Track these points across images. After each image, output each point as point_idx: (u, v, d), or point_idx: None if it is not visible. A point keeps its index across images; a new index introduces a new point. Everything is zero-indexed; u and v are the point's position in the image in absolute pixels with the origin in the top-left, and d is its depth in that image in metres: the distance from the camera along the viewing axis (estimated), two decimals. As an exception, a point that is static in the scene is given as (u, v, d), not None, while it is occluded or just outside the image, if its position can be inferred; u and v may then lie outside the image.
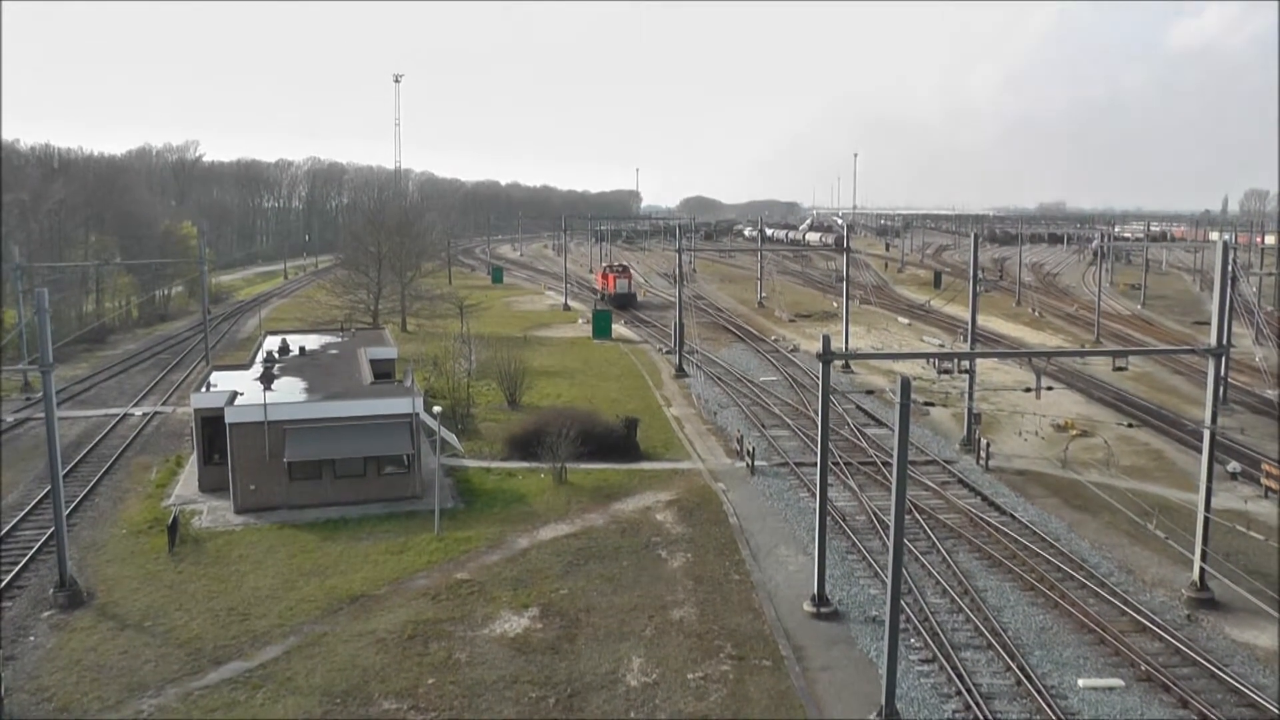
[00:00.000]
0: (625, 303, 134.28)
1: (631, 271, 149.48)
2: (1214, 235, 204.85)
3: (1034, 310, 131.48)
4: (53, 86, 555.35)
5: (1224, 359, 43.62)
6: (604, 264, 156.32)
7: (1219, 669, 34.13)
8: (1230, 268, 45.44)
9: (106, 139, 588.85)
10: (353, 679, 34.29)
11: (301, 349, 70.11)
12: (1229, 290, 48.36)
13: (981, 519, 48.95)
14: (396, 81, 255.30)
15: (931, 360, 47.81)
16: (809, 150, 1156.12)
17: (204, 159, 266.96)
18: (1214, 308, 42.68)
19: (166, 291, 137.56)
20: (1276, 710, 31.66)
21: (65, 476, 49.81)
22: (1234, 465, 56.56)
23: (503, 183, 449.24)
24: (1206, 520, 40.46)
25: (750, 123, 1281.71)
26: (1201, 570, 40.53)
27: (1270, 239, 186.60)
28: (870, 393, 78.24)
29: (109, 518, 51.11)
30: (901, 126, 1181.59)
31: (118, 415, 73.05)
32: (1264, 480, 53.88)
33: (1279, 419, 59.05)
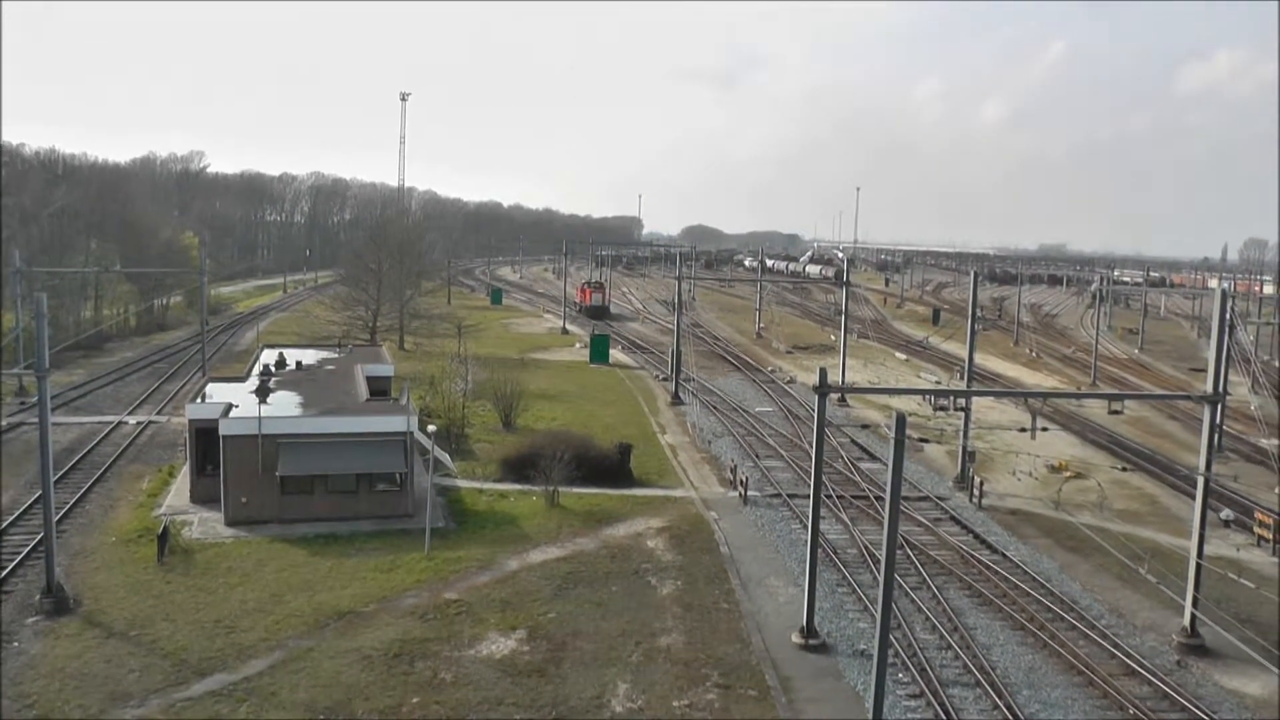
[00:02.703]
0: (599, 314, 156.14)
1: (605, 287, 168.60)
2: (1213, 282, 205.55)
3: (1031, 351, 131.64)
4: (60, 92, 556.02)
5: (1220, 406, 43.64)
6: (584, 281, 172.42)
7: (1208, 716, 33.99)
8: (1228, 315, 45.54)
9: (112, 146, 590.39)
10: (337, 696, 34.12)
11: (298, 363, 70.10)
12: (1226, 338, 48.45)
13: (973, 557, 48.87)
14: (403, 100, 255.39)
15: (928, 397, 48.00)
16: (808, 174, 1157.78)
17: (208, 170, 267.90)
18: (1211, 355, 42.77)
19: (165, 301, 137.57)
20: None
21: (56, 483, 49.68)
22: (1227, 512, 56.53)
23: (505, 204, 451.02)
24: (1199, 566, 40.42)
25: (751, 145, 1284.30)
26: (1193, 616, 40.44)
27: (1269, 288, 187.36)
28: (865, 427, 78.24)
29: (99, 525, 50.94)
30: (905, 156, 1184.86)
31: (112, 423, 72.93)
32: (1256, 529, 53.84)
33: (1277, 468, 59.06)
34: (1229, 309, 44.95)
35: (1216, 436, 46.70)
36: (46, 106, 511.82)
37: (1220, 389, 41.76)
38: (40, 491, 43.45)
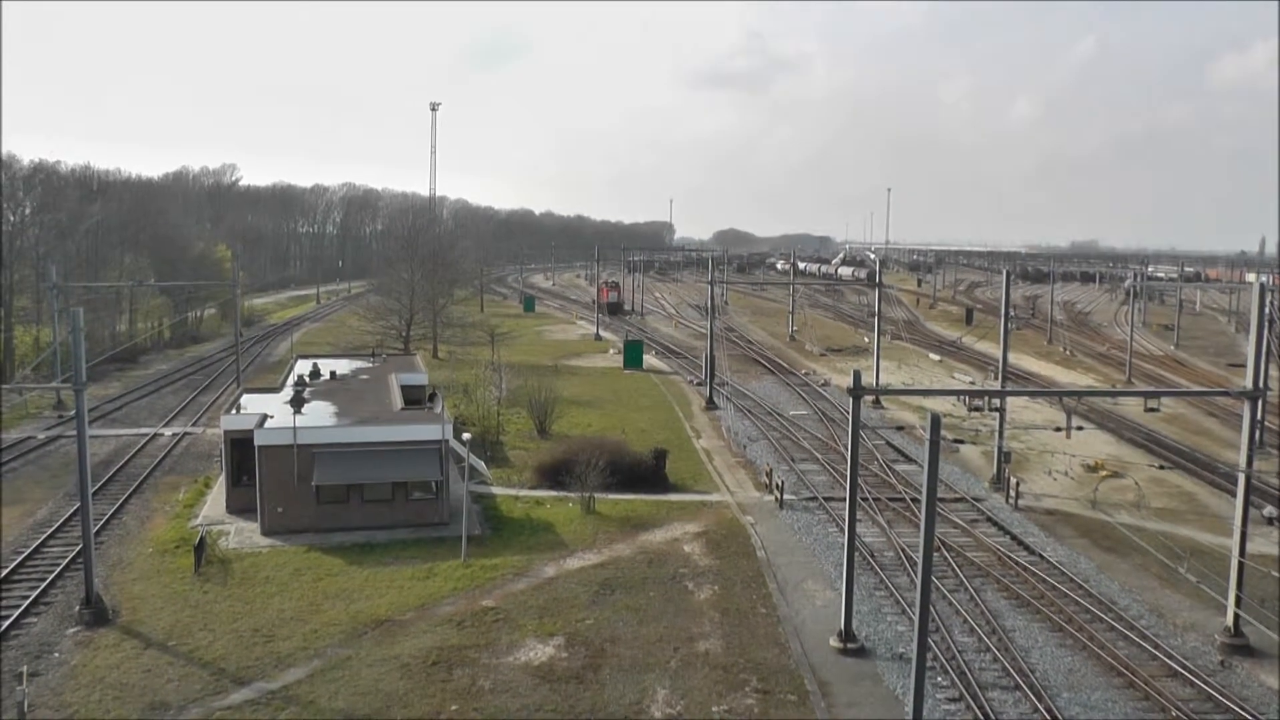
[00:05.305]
0: (615, 310, 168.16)
1: (620, 287, 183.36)
2: (1250, 276, 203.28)
3: (1065, 349, 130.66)
4: (93, 109, 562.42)
5: (1260, 401, 43.09)
6: (601, 280, 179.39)
7: (1255, 717, 33.54)
8: (1267, 309, 45.00)
9: (145, 161, 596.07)
10: (375, 704, 34.21)
11: (332, 373, 70.41)
12: (1265, 332, 47.85)
13: (1010, 558, 48.49)
14: (433, 109, 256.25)
15: (962, 397, 47.59)
16: (839, 176, 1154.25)
17: (241, 183, 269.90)
18: (1250, 349, 42.24)
19: (199, 313, 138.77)
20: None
21: (94, 494, 50.16)
22: (1269, 510, 55.85)
23: (537, 212, 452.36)
24: (1241, 565, 39.92)
25: (781, 148, 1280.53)
26: (1236, 616, 39.94)
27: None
28: (900, 429, 77.85)
29: (136, 536, 51.33)
30: (935, 154, 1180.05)
31: (148, 435, 73.53)
32: (1300, 525, 53.16)
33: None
34: (1268, 303, 44.43)
35: (1257, 432, 46.16)
36: (80, 123, 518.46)
37: (1260, 384, 41.21)
38: (79, 503, 43.78)
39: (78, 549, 45.02)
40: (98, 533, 48.92)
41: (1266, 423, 74.51)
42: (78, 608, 41.02)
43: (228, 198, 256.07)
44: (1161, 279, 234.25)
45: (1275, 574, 42.75)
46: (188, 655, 37.65)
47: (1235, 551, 40.03)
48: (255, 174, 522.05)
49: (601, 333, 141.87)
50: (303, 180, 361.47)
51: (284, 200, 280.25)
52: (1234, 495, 41.58)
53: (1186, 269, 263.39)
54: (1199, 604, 43.27)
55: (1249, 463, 40.25)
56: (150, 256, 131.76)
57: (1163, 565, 45.61)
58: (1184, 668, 37.09)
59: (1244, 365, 43.24)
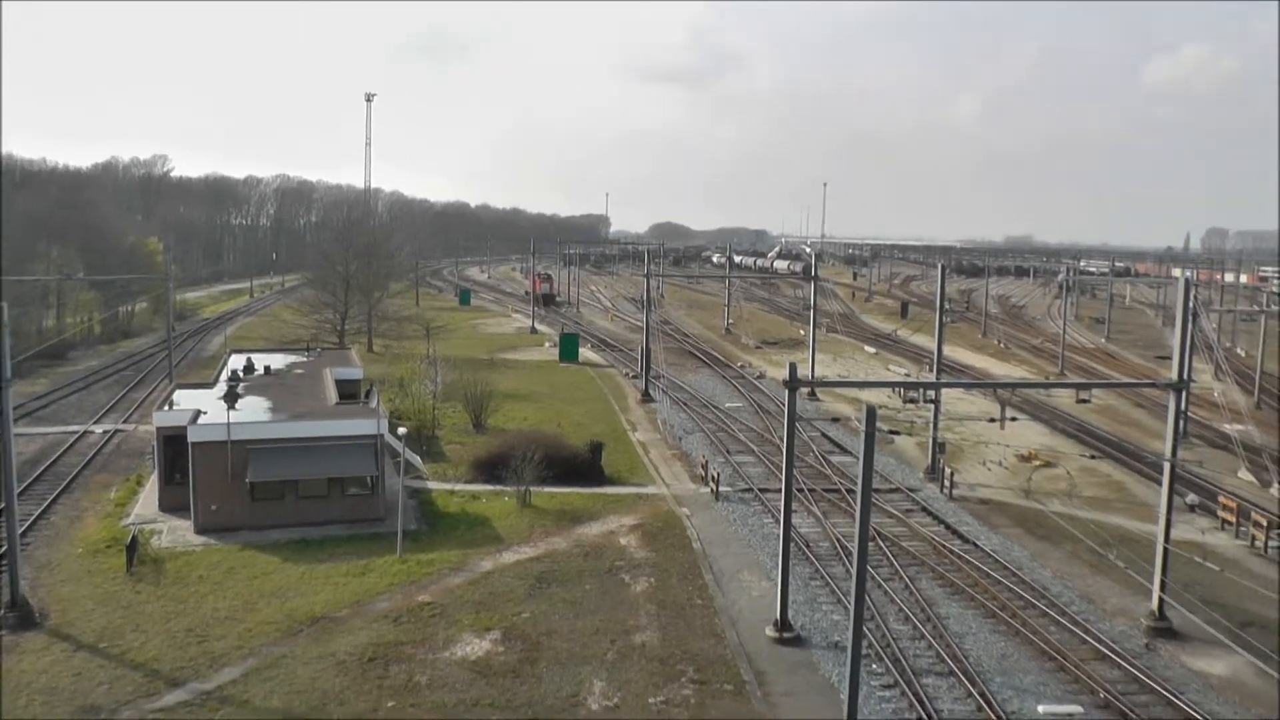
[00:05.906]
0: (547, 301, 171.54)
1: (553, 279, 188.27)
2: (1176, 272, 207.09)
3: (999, 342, 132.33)
4: (18, 97, 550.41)
5: (1184, 393, 44.03)
6: (534, 272, 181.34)
7: (1175, 697, 34.34)
8: (1191, 304, 45.99)
9: (73, 152, 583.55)
10: (312, 701, 33.94)
11: (267, 368, 69.64)
12: (1190, 326, 48.87)
13: (944, 547, 49.13)
14: (368, 100, 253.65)
15: (897, 389, 48.18)
16: (776, 170, 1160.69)
17: (172, 174, 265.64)
18: (1175, 343, 43.15)
19: (130, 308, 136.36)
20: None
21: (20, 495, 49.08)
22: (1192, 498, 57.07)
23: (472, 204, 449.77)
24: (1165, 551, 40.80)
25: (719, 143, 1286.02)
26: (1160, 600, 40.83)
27: (1230, 276, 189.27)
28: (836, 420, 78.45)
29: (65, 537, 50.37)
30: (873, 150, 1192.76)
31: (77, 433, 72.20)
32: (1221, 513, 54.38)
33: (1240, 452, 59.84)
34: (1192, 298, 45.39)
35: (1181, 423, 47.20)
36: (5, 112, 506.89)
37: (1184, 376, 42.13)
38: (3, 504, 42.92)
39: (2, 551, 44.10)
40: (24, 534, 48.00)
41: (1190, 413, 76.17)
42: (2, 611, 40.15)
43: (159, 189, 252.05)
44: (1093, 274, 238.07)
45: (1197, 559, 43.71)
46: (119, 657, 37.09)
47: (1160, 538, 40.92)
48: (187, 165, 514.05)
49: (537, 326, 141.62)
50: (236, 172, 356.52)
51: (217, 192, 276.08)
52: (1160, 484, 42.45)
53: (1117, 264, 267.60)
54: (1127, 589, 44.18)
55: (1174, 452, 41.15)
56: (79, 249, 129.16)
57: (1093, 552, 46.52)
58: (1112, 651, 37.89)
59: (1170, 358, 44.17)
